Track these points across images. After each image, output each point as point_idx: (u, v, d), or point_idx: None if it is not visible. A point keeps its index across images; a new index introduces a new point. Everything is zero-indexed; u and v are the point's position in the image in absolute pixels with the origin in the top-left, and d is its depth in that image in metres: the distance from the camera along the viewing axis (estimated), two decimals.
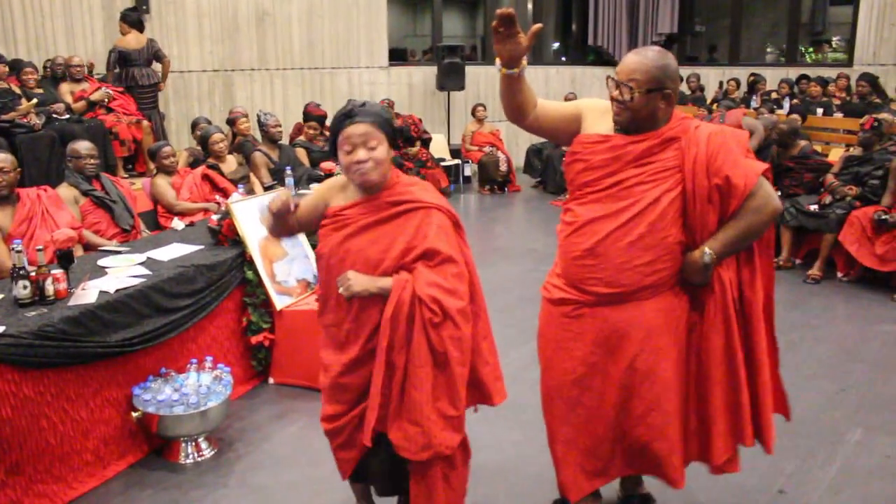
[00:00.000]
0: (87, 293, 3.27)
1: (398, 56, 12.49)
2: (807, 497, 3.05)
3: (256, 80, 9.72)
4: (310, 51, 10.13)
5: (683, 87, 10.46)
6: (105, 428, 3.26)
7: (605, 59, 12.07)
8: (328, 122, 2.11)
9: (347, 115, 2.19)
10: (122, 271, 3.63)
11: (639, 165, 2.31)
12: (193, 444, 3.42)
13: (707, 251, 2.30)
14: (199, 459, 3.41)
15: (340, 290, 2.20)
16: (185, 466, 3.37)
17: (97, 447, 3.23)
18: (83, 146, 4.74)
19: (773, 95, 9.61)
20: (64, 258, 3.35)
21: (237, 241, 4.13)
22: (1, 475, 2.85)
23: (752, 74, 10.26)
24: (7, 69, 6.62)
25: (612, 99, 2.32)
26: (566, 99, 10.27)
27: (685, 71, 10.80)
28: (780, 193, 6.34)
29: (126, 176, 7.04)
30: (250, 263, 4.09)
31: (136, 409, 3.31)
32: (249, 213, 4.17)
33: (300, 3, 9.93)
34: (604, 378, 2.43)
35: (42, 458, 2.99)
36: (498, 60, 2.23)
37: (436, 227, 2.24)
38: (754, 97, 9.67)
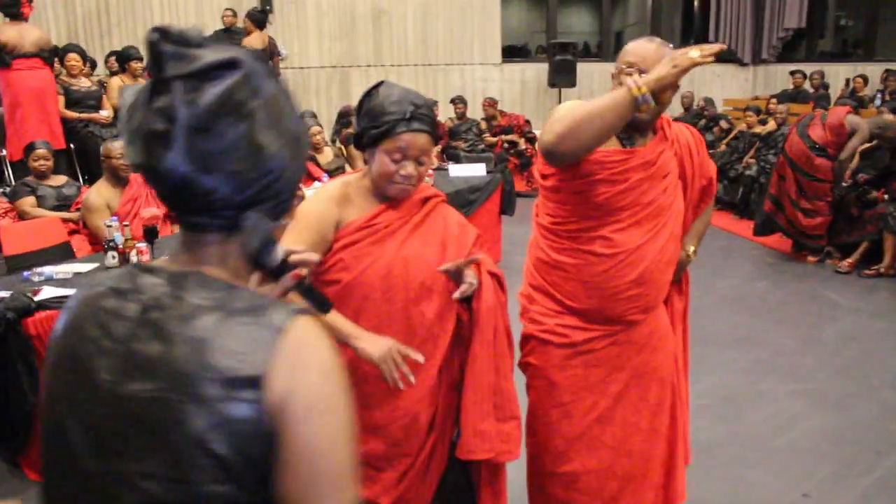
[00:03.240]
0: None
1: (518, 53, 12.59)
2: (832, 503, 2.97)
3: (372, 75, 10.14)
4: (424, 47, 10.47)
5: (806, 86, 9.95)
6: None
7: (726, 55, 11.64)
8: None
9: (408, 120, 1.81)
10: None
11: (662, 178, 2.12)
12: None
13: (692, 249, 2.29)
14: None
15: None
16: None
17: None
18: (116, 147, 4.49)
19: None
20: (149, 233, 3.76)
21: None
22: None
23: (886, 71, 9.62)
24: (89, 69, 6.97)
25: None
26: (684, 97, 10.00)
27: (811, 68, 10.25)
28: (887, 197, 6.01)
29: None
30: None
31: None
32: None
33: (415, 1, 10.27)
34: (635, 404, 2.25)
35: None
36: (642, 87, 1.81)
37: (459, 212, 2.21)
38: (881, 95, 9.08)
